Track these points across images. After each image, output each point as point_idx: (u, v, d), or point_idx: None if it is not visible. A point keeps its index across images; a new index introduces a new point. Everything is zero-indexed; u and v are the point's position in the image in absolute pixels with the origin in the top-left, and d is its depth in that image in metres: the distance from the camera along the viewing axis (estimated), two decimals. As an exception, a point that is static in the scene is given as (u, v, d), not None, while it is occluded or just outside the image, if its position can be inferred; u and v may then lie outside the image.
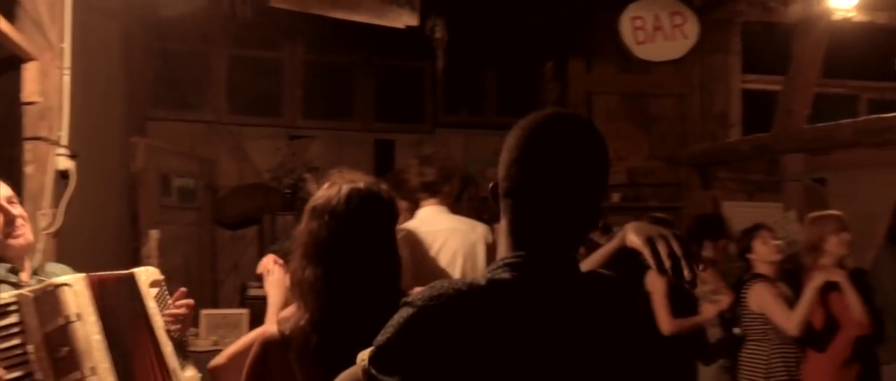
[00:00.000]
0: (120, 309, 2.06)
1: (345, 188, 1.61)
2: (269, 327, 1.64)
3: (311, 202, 1.64)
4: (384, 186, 1.66)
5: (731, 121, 6.30)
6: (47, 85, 2.96)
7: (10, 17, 2.81)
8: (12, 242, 2.09)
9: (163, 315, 2.12)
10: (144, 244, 4.70)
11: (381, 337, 1.10)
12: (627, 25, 4.81)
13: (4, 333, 1.93)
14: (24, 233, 2.12)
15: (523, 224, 1.18)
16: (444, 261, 2.98)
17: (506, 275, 1.13)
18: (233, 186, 5.79)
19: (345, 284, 1.55)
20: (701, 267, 1.30)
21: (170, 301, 2.18)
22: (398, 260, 1.63)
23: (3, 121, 2.87)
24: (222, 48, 5.91)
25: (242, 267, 5.76)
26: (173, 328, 2.13)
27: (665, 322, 3.84)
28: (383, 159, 5.96)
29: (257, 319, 3.81)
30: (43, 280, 2.16)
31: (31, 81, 2.90)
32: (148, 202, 4.91)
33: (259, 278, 2.19)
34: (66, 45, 3.05)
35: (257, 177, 5.85)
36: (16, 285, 2.08)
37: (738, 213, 5.51)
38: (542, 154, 1.16)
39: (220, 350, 3.90)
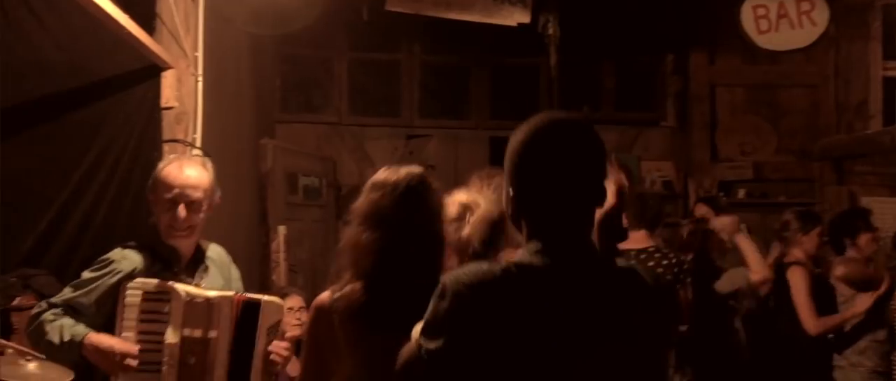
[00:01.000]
0: (244, 336, 2.14)
1: (404, 170, 1.83)
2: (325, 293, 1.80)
3: (373, 180, 1.85)
4: (433, 180, 1.86)
5: (870, 111, 5.89)
6: (183, 91, 3.22)
7: (150, 30, 3.08)
8: (172, 240, 2.23)
9: (269, 350, 2.19)
10: (273, 240, 4.98)
11: (427, 314, 1.31)
12: (748, 14, 4.59)
13: (152, 316, 2.08)
14: (186, 237, 2.22)
15: (535, 219, 1.36)
16: None
17: (527, 259, 1.33)
18: (354, 184, 6.01)
19: (396, 248, 1.74)
20: None
21: (277, 335, 2.24)
22: (441, 237, 1.81)
23: (146, 125, 3.14)
24: (343, 52, 6.15)
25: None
26: (273, 362, 2.21)
27: (810, 322, 3.65)
28: (498, 157, 5.98)
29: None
30: (200, 268, 2.29)
31: (168, 87, 3.15)
32: (276, 200, 5.20)
33: None
34: (199, 54, 3.30)
35: (377, 175, 6.04)
36: (174, 275, 2.21)
37: (880, 209, 5.14)
38: (539, 158, 1.35)
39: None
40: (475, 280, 1.28)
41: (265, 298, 2.21)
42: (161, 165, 2.30)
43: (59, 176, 3.02)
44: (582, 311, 1.29)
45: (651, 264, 3.41)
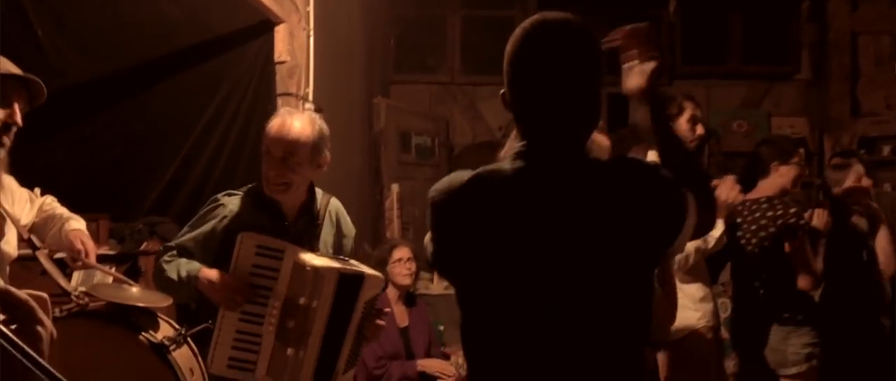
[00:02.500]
0: (343, 307, 2.11)
1: None
2: None
3: None
4: None
5: None
6: (295, 45, 3.28)
7: (263, -15, 3.14)
8: (269, 193, 2.18)
9: (367, 324, 2.20)
10: (387, 197, 5.05)
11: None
12: (897, -54, 4.13)
13: (264, 273, 2.09)
14: (281, 193, 2.16)
15: (525, 120, 1.37)
16: None
17: (510, 162, 1.35)
18: (466, 143, 5.98)
19: None
20: None
21: (375, 311, 2.24)
22: None
23: (260, 79, 3.23)
24: (456, 10, 6.10)
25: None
26: (367, 334, 2.21)
27: None
28: (616, 113, 5.78)
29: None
30: (313, 224, 2.27)
31: (281, 41, 3.22)
32: (389, 159, 5.25)
33: None
34: (311, 9, 3.34)
35: (489, 135, 5.98)
36: (285, 230, 2.18)
37: None
38: (528, 60, 1.34)
39: (450, 294, 4.07)
40: (447, 187, 1.36)
41: (368, 271, 2.18)
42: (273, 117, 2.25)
43: (181, 129, 3.17)
44: (555, 209, 1.30)
45: (760, 213, 3.14)
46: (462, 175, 1.36)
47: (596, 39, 1.37)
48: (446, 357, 3.72)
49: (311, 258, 2.11)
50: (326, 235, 2.31)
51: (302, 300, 2.08)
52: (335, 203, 2.38)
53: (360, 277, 2.13)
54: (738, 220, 3.19)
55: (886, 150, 5.48)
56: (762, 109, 5.85)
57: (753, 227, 3.16)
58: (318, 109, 3.36)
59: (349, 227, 2.40)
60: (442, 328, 3.75)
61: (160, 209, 3.08)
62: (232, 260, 2.11)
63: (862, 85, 5.63)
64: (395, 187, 5.06)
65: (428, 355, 3.56)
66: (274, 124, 2.17)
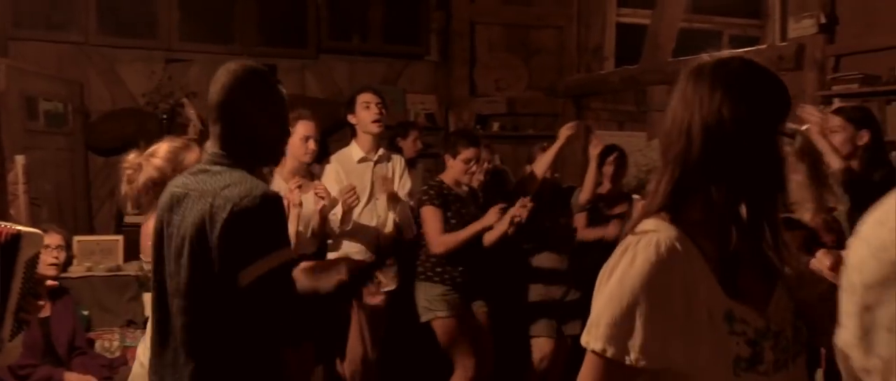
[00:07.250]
0: None
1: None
2: None
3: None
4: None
5: (605, 54, 6.59)
6: None
7: None
8: None
9: (30, 285, 1.98)
10: (10, 170, 4.50)
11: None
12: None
13: None
14: None
15: (235, 135, 1.96)
16: None
17: (210, 165, 1.95)
18: (106, 110, 5.57)
19: None
20: None
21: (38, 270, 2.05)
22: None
23: None
24: (90, -36, 5.58)
25: (119, 194, 5.60)
26: (30, 303, 2.00)
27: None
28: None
29: (132, 246, 3.80)
30: None
31: None
32: (12, 127, 4.68)
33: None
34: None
35: (132, 101, 5.64)
36: None
37: (609, 141, 5.83)
38: (243, 99, 1.95)
39: (93, 276, 3.83)
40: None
41: (24, 229, 1.97)
42: None
43: None
44: None
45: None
46: None
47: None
48: (92, 343, 3.54)
49: None
50: None
51: None
52: None
53: (18, 235, 1.92)
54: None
55: (496, 126, 6.45)
56: (399, 86, 6.43)
57: None
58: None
59: None
60: (86, 312, 3.54)
61: None
62: None
63: (478, 69, 6.51)
64: (20, 159, 4.53)
65: (72, 347, 3.35)
66: None
